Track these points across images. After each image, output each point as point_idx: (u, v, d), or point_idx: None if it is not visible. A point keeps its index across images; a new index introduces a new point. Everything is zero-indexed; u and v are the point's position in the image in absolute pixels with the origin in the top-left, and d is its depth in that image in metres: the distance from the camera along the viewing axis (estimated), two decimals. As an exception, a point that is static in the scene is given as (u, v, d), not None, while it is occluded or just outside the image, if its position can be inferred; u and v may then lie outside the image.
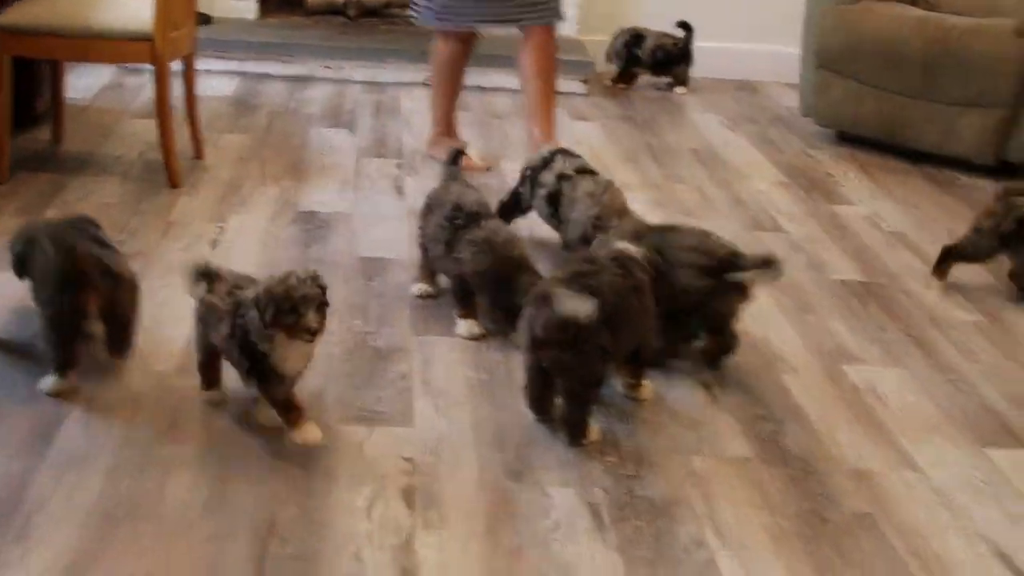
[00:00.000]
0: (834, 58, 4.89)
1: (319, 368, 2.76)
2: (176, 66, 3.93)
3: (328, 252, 3.44)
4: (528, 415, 2.63)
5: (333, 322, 2.98)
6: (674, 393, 2.80)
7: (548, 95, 4.33)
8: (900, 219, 4.14)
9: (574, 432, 2.55)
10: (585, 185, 3.36)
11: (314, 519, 2.22)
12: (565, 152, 3.56)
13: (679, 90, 5.74)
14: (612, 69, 5.74)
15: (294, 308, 2.30)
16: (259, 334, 2.32)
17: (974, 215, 3.62)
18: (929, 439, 2.68)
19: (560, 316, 2.43)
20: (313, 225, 3.64)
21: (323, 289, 2.37)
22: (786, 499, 2.41)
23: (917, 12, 4.84)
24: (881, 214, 4.18)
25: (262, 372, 2.38)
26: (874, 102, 4.83)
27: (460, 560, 2.14)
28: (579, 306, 2.42)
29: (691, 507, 2.36)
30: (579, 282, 2.51)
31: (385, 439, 2.51)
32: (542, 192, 3.47)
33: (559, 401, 2.58)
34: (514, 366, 2.85)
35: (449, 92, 4.41)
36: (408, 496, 2.32)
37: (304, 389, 2.66)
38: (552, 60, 4.29)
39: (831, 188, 4.44)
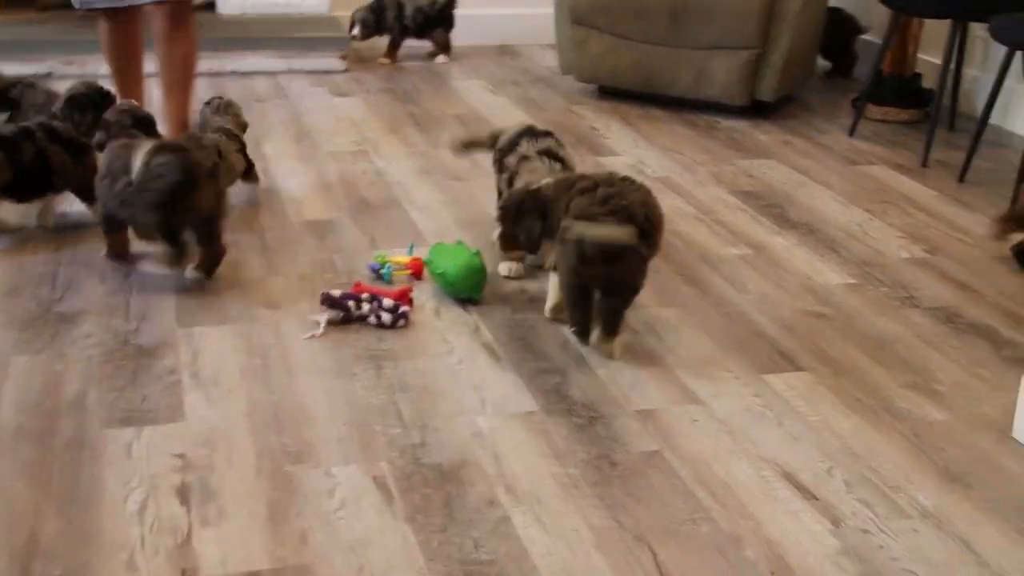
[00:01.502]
0: (586, 13, 4.93)
1: (76, 373, 2.59)
2: None
3: (80, 253, 3.24)
4: (305, 394, 2.53)
5: (88, 324, 2.82)
6: (456, 355, 2.74)
7: (177, 91, 4.00)
8: (664, 165, 4.20)
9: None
10: (536, 166, 3.16)
11: (81, 531, 2.07)
12: (531, 132, 3.29)
13: (441, 59, 5.69)
14: (370, 43, 5.65)
15: None
16: None
17: None
18: (709, 372, 2.71)
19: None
20: (63, 228, 3.43)
21: None
22: (574, 447, 2.39)
23: (660, -38, 4.91)
24: (646, 161, 4.23)
25: None
26: (629, 54, 4.89)
27: (243, 552, 2.03)
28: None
29: (480, 468, 2.31)
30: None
31: (154, 438, 2.36)
32: (504, 176, 3.26)
33: None
34: (288, 347, 2.74)
35: (131, 73, 4.01)
36: (183, 493, 2.19)
37: (60, 395, 2.49)
38: (184, 53, 3.97)
39: (596, 141, 4.47)
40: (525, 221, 2.91)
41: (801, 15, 4.66)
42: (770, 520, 2.17)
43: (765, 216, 3.72)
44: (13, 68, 4.96)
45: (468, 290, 3.02)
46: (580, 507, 2.19)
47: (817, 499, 2.23)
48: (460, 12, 5.73)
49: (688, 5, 4.70)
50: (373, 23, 5.54)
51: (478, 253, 3.05)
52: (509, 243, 3.02)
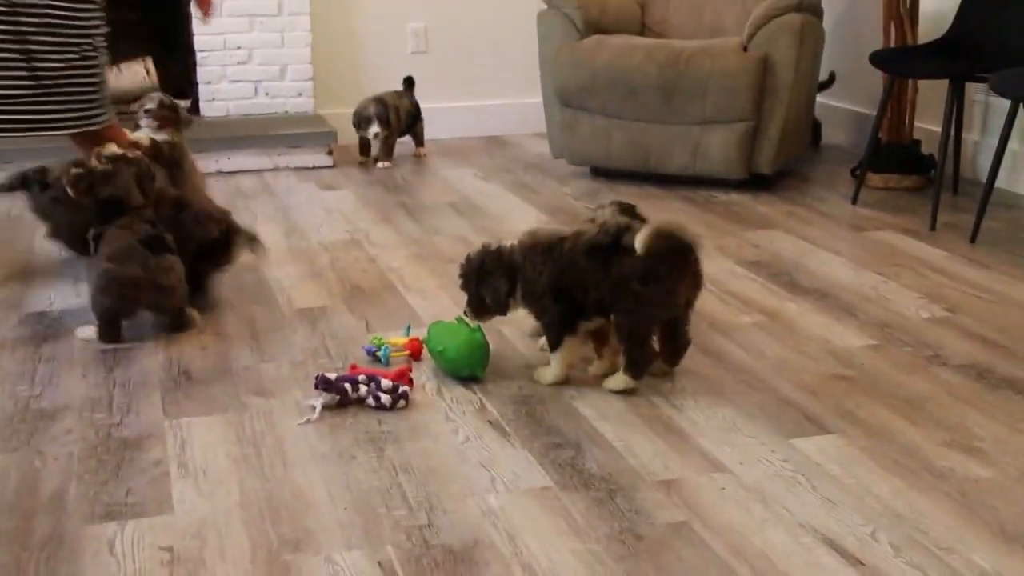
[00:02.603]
0: (575, 96, 4.85)
1: (56, 469, 2.41)
2: None
3: (60, 349, 3.08)
4: (301, 481, 2.35)
5: (69, 419, 2.65)
6: (462, 434, 2.57)
7: None
8: (665, 240, 4.07)
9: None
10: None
11: (59, 635, 1.88)
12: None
13: (422, 150, 5.59)
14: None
15: None
16: None
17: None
18: (732, 439, 2.54)
19: None
20: (43, 325, 3.27)
21: None
22: (594, 522, 2.20)
23: (646, 41, 4.84)
24: (646, 238, 4.10)
25: None
26: (622, 133, 4.80)
27: (239, 650, 1.84)
28: None
29: (494, 547, 2.12)
30: None
31: (139, 532, 2.17)
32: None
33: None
34: (282, 434, 2.57)
35: None
36: (171, 590, 2.00)
37: (38, 493, 2.31)
38: None
39: (593, 220, 4.35)
40: (490, 281, 2.82)
41: (794, 87, 4.58)
42: (816, 589, 1.98)
43: (775, 284, 3.57)
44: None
45: (470, 367, 2.85)
46: (606, 585, 2.00)
47: (864, 564, 2.04)
48: (448, 105, 5.72)
49: (680, 83, 4.62)
50: (386, 116, 5.35)
51: (479, 328, 2.89)
52: (479, 309, 2.89)
